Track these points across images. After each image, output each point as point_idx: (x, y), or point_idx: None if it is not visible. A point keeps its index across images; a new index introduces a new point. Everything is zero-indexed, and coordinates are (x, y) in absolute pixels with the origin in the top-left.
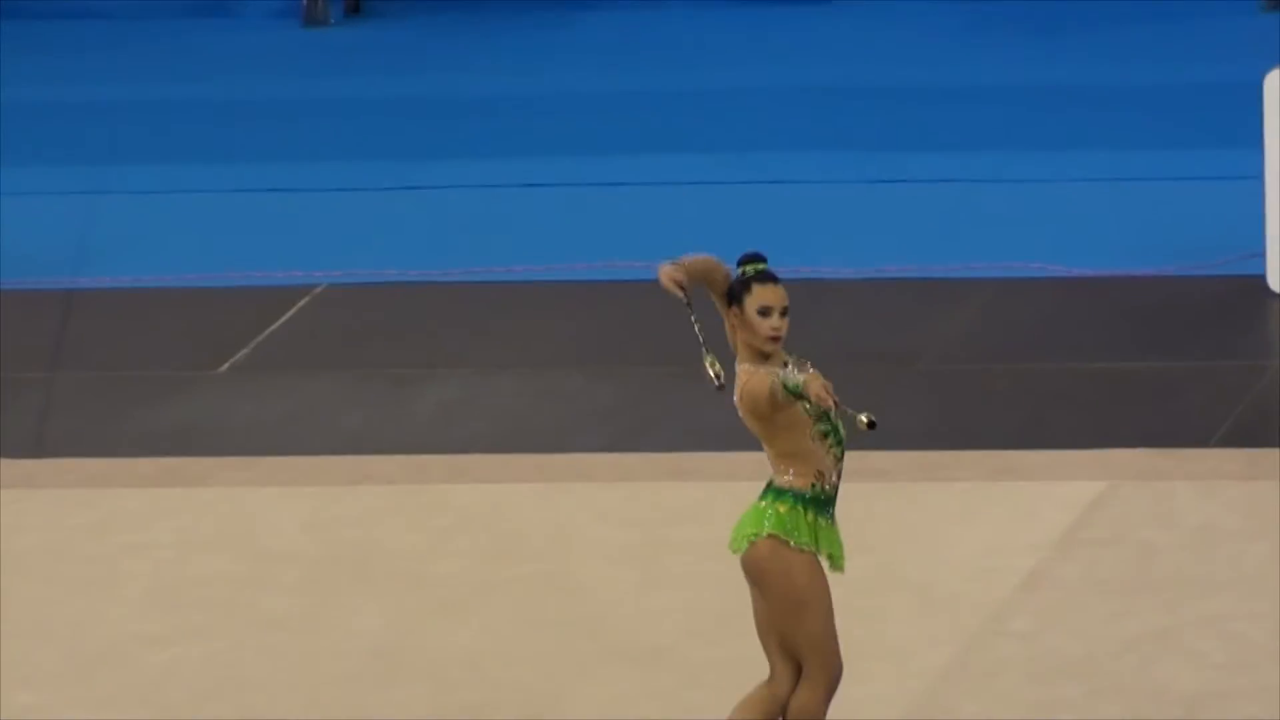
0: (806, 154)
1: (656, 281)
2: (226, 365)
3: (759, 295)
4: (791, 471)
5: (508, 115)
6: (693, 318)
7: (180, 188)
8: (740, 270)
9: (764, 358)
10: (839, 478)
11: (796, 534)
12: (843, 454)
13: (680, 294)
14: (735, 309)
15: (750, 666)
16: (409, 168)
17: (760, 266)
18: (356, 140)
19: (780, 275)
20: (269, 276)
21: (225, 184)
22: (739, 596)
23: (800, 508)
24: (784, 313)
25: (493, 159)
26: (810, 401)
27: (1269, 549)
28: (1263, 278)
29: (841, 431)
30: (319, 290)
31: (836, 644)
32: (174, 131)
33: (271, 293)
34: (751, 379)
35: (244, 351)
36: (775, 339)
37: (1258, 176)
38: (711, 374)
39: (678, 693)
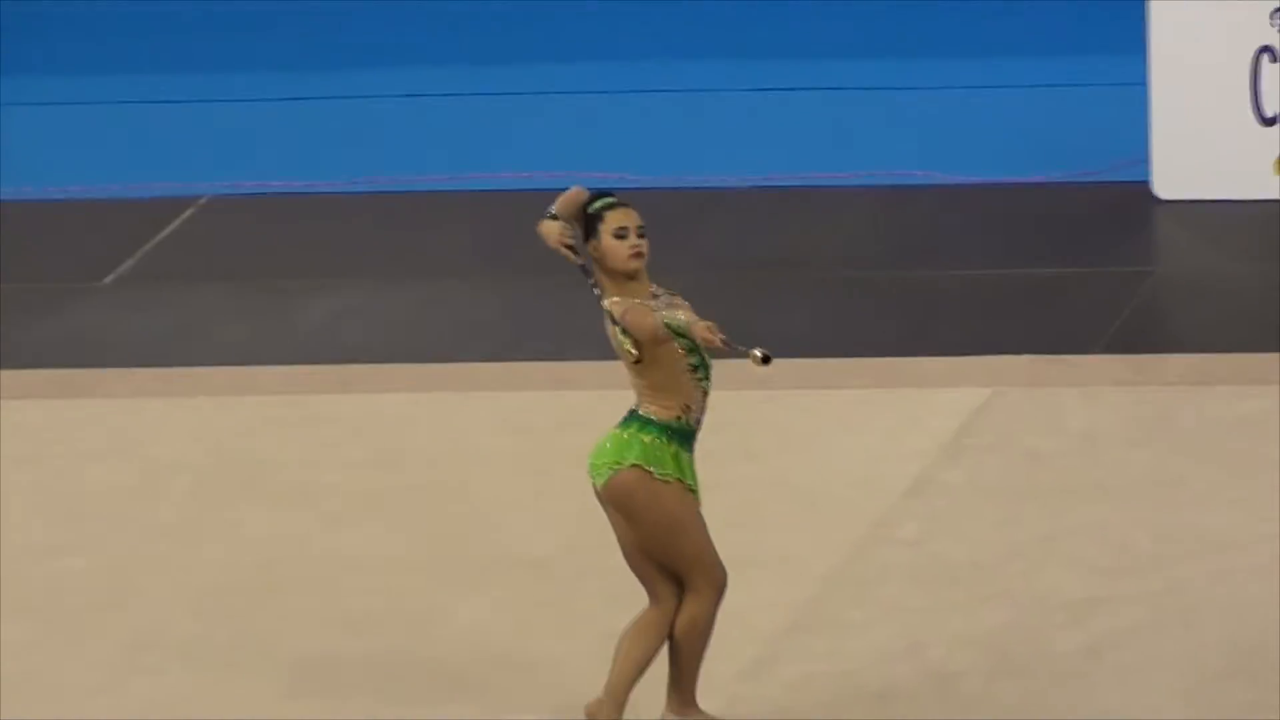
0: (689, 63)
1: (539, 225)
2: (111, 277)
3: (611, 220)
4: (658, 403)
5: (391, 24)
6: (591, 282)
7: (63, 99)
8: (590, 208)
9: (630, 279)
10: (703, 413)
11: (660, 465)
12: (709, 388)
13: (573, 257)
14: (593, 242)
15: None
16: (293, 78)
17: (609, 200)
18: (240, 50)
19: (665, 184)
20: (153, 188)
21: (108, 95)
22: None
23: (664, 439)
24: (641, 233)
25: (376, 69)
26: (696, 342)
27: (1152, 455)
28: (1147, 184)
29: (709, 365)
30: (203, 201)
31: (716, 554)
32: (55, 43)
33: (156, 204)
34: (632, 312)
35: (129, 263)
36: (638, 256)
37: (1143, 83)
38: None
39: (566, 600)
